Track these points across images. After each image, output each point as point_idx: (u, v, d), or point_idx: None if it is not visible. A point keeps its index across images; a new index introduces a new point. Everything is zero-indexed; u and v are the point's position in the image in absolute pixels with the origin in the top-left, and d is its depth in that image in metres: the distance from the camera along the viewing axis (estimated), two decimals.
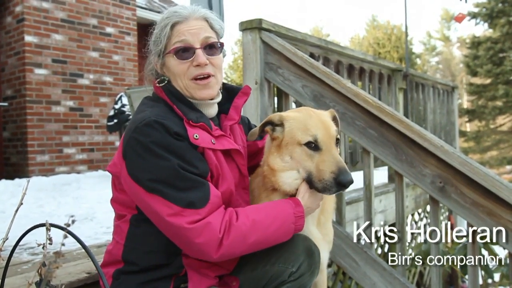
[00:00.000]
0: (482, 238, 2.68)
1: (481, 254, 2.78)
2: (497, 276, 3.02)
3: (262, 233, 1.34)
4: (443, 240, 1.89)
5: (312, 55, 2.77)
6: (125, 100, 5.21)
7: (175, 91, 1.48)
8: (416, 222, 4.62)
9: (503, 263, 2.85)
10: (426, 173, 2.02)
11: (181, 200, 1.27)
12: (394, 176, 2.47)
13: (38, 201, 3.97)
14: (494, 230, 1.83)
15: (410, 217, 4.47)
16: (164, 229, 1.32)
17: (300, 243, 1.47)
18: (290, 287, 1.45)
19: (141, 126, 1.32)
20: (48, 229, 0.96)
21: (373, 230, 2.38)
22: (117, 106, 5.31)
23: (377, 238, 3.86)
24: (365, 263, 2.31)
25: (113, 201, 1.48)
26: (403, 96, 4.06)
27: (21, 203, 1.05)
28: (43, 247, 0.92)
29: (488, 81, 18.13)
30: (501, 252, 2.94)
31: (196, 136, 1.37)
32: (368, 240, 2.36)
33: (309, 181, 1.43)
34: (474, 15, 17.50)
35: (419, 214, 4.68)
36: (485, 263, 2.81)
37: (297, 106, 2.82)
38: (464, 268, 2.85)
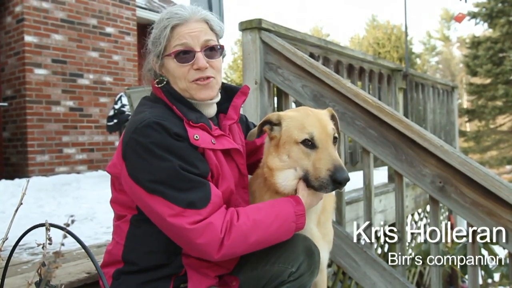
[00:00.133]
0: (482, 238, 2.68)
1: (481, 254, 2.78)
2: (497, 276, 3.02)
3: (263, 232, 1.34)
4: (443, 240, 1.89)
5: (312, 55, 2.77)
6: (125, 100, 5.21)
7: (174, 91, 1.47)
8: (416, 222, 4.62)
9: (503, 263, 2.85)
10: (426, 173, 2.02)
11: (182, 201, 1.27)
12: (394, 176, 2.47)
13: (38, 201, 3.97)
14: (494, 230, 1.83)
15: (410, 217, 4.47)
16: (165, 230, 1.32)
17: (300, 243, 1.47)
18: (290, 287, 1.45)
19: (140, 127, 1.32)
20: (47, 229, 0.96)
21: (373, 230, 2.38)
22: (117, 106, 5.31)
23: (377, 238, 3.86)
24: (365, 263, 2.31)
25: (113, 202, 1.47)
26: (403, 96, 4.06)
27: (21, 203, 1.05)
28: (42, 247, 0.92)
29: (488, 81, 18.13)
30: (501, 252, 2.95)
31: (197, 137, 1.37)
32: (368, 240, 2.36)
33: (306, 180, 1.43)
34: (474, 15, 17.50)
35: (419, 214, 4.68)
36: (485, 263, 2.82)
37: (297, 106, 2.82)
38: (464, 268, 2.85)
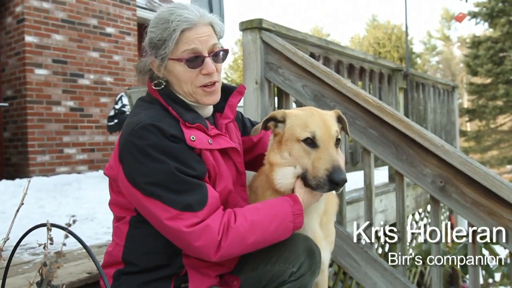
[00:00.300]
0: (482, 237, 2.68)
1: (481, 254, 2.78)
2: (498, 276, 3.02)
3: (260, 233, 1.34)
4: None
5: (312, 55, 2.77)
6: (125, 100, 5.22)
7: (170, 93, 1.47)
8: (416, 222, 4.62)
9: (503, 263, 2.85)
10: (427, 172, 2.02)
11: (178, 203, 1.27)
12: (394, 176, 2.47)
13: (39, 201, 3.97)
14: (495, 229, 1.83)
15: (410, 216, 4.47)
16: (163, 232, 1.32)
17: (301, 243, 1.47)
18: (290, 287, 1.45)
19: (137, 129, 1.32)
20: (49, 229, 0.96)
21: (374, 230, 2.38)
22: (117, 106, 5.31)
23: (378, 238, 3.86)
24: (366, 263, 2.31)
25: (111, 204, 1.47)
26: (404, 96, 4.06)
27: (22, 203, 1.05)
28: (44, 247, 0.92)
29: (488, 80, 18.13)
30: (502, 252, 2.95)
31: (193, 138, 1.36)
32: (368, 240, 2.37)
33: (304, 178, 1.44)
34: (474, 15, 17.49)
35: (419, 213, 4.67)
36: (486, 263, 2.82)
37: (297, 106, 2.82)
38: (464, 268, 2.85)
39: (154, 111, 1.40)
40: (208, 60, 1.44)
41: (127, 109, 5.16)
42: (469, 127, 22.62)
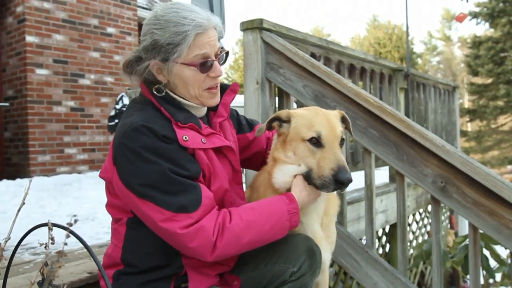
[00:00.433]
0: (483, 238, 2.68)
1: (482, 254, 2.78)
2: (498, 276, 3.02)
3: (256, 232, 1.34)
4: (444, 240, 1.89)
5: (313, 55, 2.77)
6: (126, 100, 5.22)
7: (167, 95, 1.45)
8: (417, 222, 4.61)
9: (504, 263, 2.85)
10: (427, 172, 2.02)
11: (172, 205, 1.27)
12: (395, 176, 2.47)
13: (40, 201, 3.98)
14: (495, 230, 1.83)
15: (411, 217, 4.47)
16: (159, 233, 1.32)
17: (301, 243, 1.47)
18: (291, 287, 1.45)
19: (129, 131, 1.31)
20: (50, 229, 0.96)
21: (375, 230, 2.38)
22: (118, 106, 5.31)
23: (379, 238, 3.86)
24: (366, 263, 2.30)
25: (108, 206, 1.48)
26: (404, 96, 4.06)
27: (23, 203, 1.05)
28: (45, 247, 0.92)
29: (489, 80, 18.12)
30: (503, 252, 2.95)
31: (186, 137, 1.36)
32: (369, 240, 2.36)
33: (309, 177, 1.44)
34: (475, 15, 17.49)
35: (420, 214, 4.67)
36: (487, 263, 2.82)
37: (298, 106, 2.82)
38: (465, 268, 2.85)
39: (146, 112, 1.40)
40: (217, 64, 1.46)
41: None
42: (469, 127, 22.61)
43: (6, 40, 5.80)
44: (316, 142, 1.43)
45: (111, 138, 6.20)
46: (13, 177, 5.31)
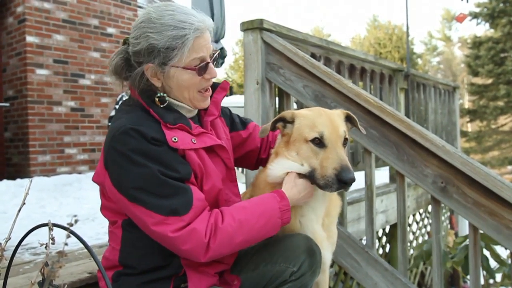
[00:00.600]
0: (483, 238, 2.68)
1: (482, 254, 2.78)
2: (498, 276, 3.02)
3: (249, 232, 1.35)
4: (445, 241, 1.89)
5: (313, 55, 2.77)
6: None
7: (151, 94, 1.43)
8: (417, 222, 4.61)
9: (504, 263, 2.85)
10: (428, 173, 2.02)
11: (163, 208, 1.27)
12: (395, 176, 2.47)
13: (40, 201, 3.98)
14: (496, 230, 1.83)
15: (411, 217, 4.47)
16: (152, 236, 1.32)
17: (301, 242, 1.47)
18: (291, 287, 1.45)
19: (118, 134, 1.31)
20: (50, 229, 0.96)
21: (375, 230, 2.37)
22: (118, 107, 5.31)
23: (379, 238, 3.86)
24: (366, 263, 2.30)
25: (103, 209, 1.47)
26: (404, 96, 4.06)
27: (24, 203, 1.05)
28: (45, 247, 0.92)
29: (489, 81, 18.12)
30: (503, 253, 2.95)
31: (175, 139, 1.35)
32: (369, 240, 2.36)
33: (312, 177, 1.45)
34: (475, 15, 17.50)
35: (420, 214, 4.67)
36: (487, 263, 2.82)
37: (298, 106, 2.82)
38: (465, 268, 2.85)
39: (135, 114, 1.39)
40: (211, 65, 1.45)
41: None
42: (470, 127, 22.61)
43: (6, 40, 5.80)
44: (319, 142, 1.44)
45: None
46: (13, 177, 5.31)
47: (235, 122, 1.78)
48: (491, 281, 3.04)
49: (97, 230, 2.94)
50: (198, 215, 1.30)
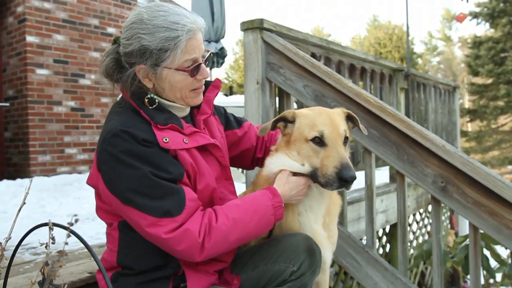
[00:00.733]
0: (483, 238, 2.68)
1: (483, 254, 2.78)
2: (499, 276, 3.02)
3: (242, 230, 1.35)
4: (445, 240, 1.89)
5: (313, 55, 2.77)
6: None
7: (142, 95, 1.42)
8: (417, 222, 4.61)
9: (505, 263, 2.85)
10: (428, 173, 2.02)
11: (156, 210, 1.27)
12: (395, 176, 2.47)
13: (40, 201, 3.98)
14: (496, 230, 1.83)
15: (411, 217, 4.47)
16: (146, 238, 1.32)
17: (301, 242, 1.47)
18: (291, 286, 1.45)
19: (109, 137, 1.31)
20: (51, 229, 0.96)
21: (375, 230, 2.37)
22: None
23: (379, 238, 3.86)
24: (366, 263, 2.30)
25: (99, 210, 1.47)
26: (405, 96, 4.06)
27: (24, 203, 1.05)
28: (46, 247, 0.92)
29: (489, 81, 18.12)
30: (503, 252, 2.95)
31: (166, 139, 1.35)
32: (369, 240, 2.36)
33: (314, 176, 1.45)
34: (475, 15, 17.49)
35: (420, 214, 4.67)
36: (487, 263, 2.82)
37: (298, 106, 2.82)
38: (466, 268, 2.85)
39: (125, 116, 1.38)
40: (203, 66, 1.45)
41: None
42: (470, 127, 22.61)
43: (6, 40, 5.80)
44: (319, 141, 1.44)
45: None
46: (13, 177, 5.31)
47: (230, 121, 1.78)
48: (491, 280, 3.04)
49: (97, 230, 2.94)
50: (191, 216, 1.30)
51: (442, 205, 2.06)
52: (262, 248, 1.52)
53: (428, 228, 4.75)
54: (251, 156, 1.83)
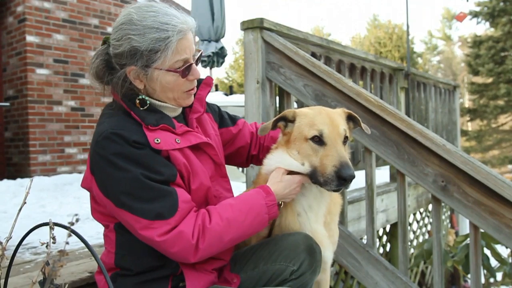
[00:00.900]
0: (484, 237, 2.68)
1: (483, 253, 2.78)
2: (499, 275, 3.02)
3: (237, 229, 1.35)
4: (445, 240, 1.90)
5: (313, 55, 2.77)
6: None
7: (132, 96, 1.41)
8: (418, 221, 4.61)
9: (505, 262, 2.85)
10: (428, 172, 2.02)
11: (148, 213, 1.27)
12: (396, 175, 2.47)
13: (40, 201, 3.98)
14: (496, 229, 1.83)
15: (412, 216, 4.47)
16: (141, 240, 1.32)
17: (301, 241, 1.47)
18: (291, 286, 1.45)
19: (100, 140, 1.31)
20: (51, 228, 0.96)
21: (375, 229, 2.37)
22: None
23: (379, 237, 3.86)
24: (367, 262, 2.30)
25: (94, 212, 1.47)
26: (405, 95, 4.06)
27: (25, 202, 1.05)
28: (46, 246, 0.92)
29: (489, 80, 18.11)
30: (504, 251, 2.95)
31: (157, 140, 1.34)
32: (370, 239, 2.36)
33: (313, 176, 1.45)
34: (475, 14, 17.48)
35: (420, 213, 4.67)
36: (487, 262, 2.82)
37: (298, 106, 2.82)
38: (466, 267, 2.85)
39: (116, 118, 1.38)
40: (195, 66, 1.44)
41: None
42: (470, 126, 22.62)
43: (6, 40, 5.80)
44: (319, 140, 1.45)
45: None
46: (13, 177, 5.32)
47: (224, 118, 1.78)
48: (491, 280, 3.04)
49: (98, 230, 2.94)
50: (184, 217, 1.30)
51: (443, 204, 2.06)
52: (262, 247, 1.52)
53: (429, 227, 4.75)
54: (246, 153, 1.83)
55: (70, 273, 1.81)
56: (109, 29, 6.32)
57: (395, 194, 3.48)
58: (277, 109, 2.68)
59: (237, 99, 6.69)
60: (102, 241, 2.55)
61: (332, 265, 3.08)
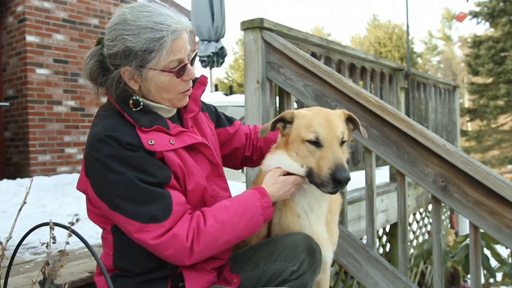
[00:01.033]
0: (484, 237, 2.68)
1: (483, 254, 2.78)
2: (499, 276, 3.02)
3: (232, 232, 1.35)
4: (445, 240, 1.90)
5: (313, 55, 2.77)
6: None
7: (125, 97, 1.40)
8: (417, 222, 4.61)
9: (505, 262, 2.85)
10: (428, 172, 2.02)
11: (142, 216, 1.26)
12: (395, 176, 2.47)
13: (40, 201, 3.98)
14: (496, 229, 1.83)
15: (411, 216, 4.47)
16: (137, 242, 1.32)
17: (301, 241, 1.47)
18: (291, 286, 1.46)
19: (93, 142, 1.30)
20: (52, 228, 0.96)
21: (375, 229, 2.37)
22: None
23: (379, 237, 3.86)
24: (367, 262, 2.30)
25: (90, 214, 1.47)
26: (405, 95, 4.06)
27: (25, 202, 1.05)
28: (46, 246, 0.92)
29: (489, 80, 18.11)
30: (503, 252, 2.95)
31: (151, 142, 1.33)
32: (370, 239, 2.36)
33: (310, 177, 1.45)
34: (475, 14, 17.48)
35: (420, 213, 4.67)
36: (487, 262, 2.82)
37: (298, 106, 2.82)
38: (466, 267, 2.85)
39: (110, 120, 1.37)
40: (189, 67, 1.43)
41: None
42: (470, 126, 22.62)
43: (6, 40, 5.80)
44: (315, 142, 1.44)
45: None
46: (13, 177, 5.32)
47: (221, 118, 1.77)
48: (491, 280, 3.04)
49: (98, 230, 2.93)
50: (178, 220, 1.29)
51: (443, 204, 2.06)
52: (262, 247, 1.52)
53: (428, 227, 4.75)
54: (241, 155, 1.83)
55: (70, 273, 1.81)
56: None
57: (395, 194, 3.48)
58: (277, 109, 2.68)
59: (237, 99, 6.68)
60: (101, 241, 2.55)
61: (332, 265, 3.08)
